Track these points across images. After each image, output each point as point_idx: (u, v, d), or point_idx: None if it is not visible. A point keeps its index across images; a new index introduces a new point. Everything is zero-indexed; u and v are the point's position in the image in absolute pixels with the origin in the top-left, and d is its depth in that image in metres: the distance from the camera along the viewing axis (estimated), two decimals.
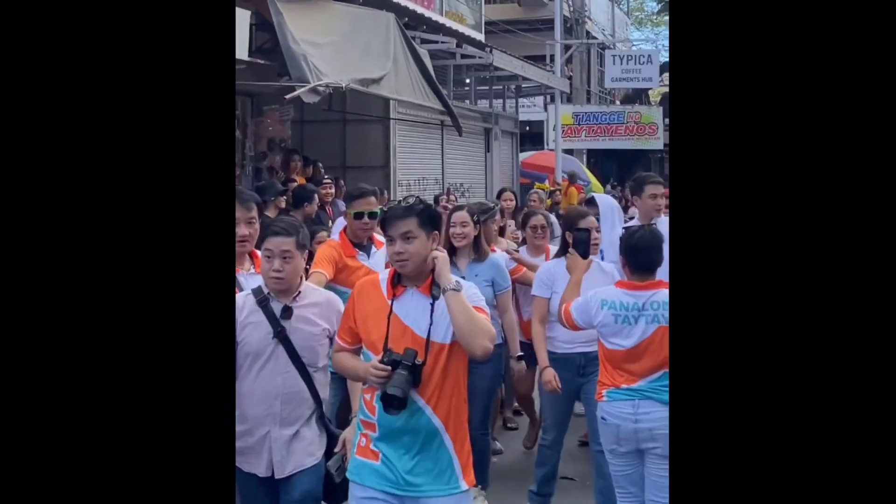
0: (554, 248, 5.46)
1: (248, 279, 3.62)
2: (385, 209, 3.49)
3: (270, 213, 7.48)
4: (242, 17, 6.88)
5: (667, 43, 35.75)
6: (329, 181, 8.89)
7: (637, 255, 3.90)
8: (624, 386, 3.88)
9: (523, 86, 16.20)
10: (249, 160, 9.86)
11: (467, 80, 14.40)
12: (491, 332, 2.87)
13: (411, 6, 11.26)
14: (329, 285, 4.21)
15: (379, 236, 4.59)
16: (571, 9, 20.74)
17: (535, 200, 9.41)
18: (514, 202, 8.41)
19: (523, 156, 17.31)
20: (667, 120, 21.78)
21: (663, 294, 3.85)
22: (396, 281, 2.94)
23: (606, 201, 5.26)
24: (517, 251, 5.83)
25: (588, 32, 22.00)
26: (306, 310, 3.27)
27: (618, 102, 24.83)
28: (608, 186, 21.69)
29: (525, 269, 5.45)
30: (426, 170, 12.07)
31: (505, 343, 5.00)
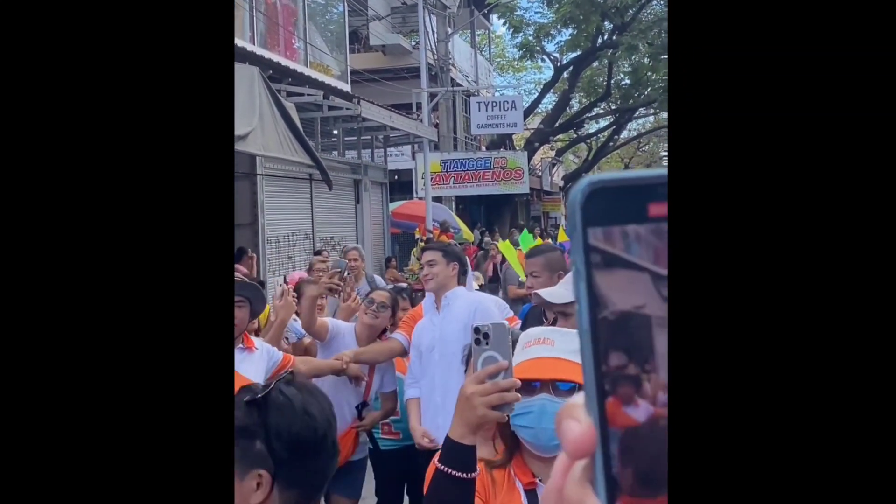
0: None
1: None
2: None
3: None
4: None
5: (528, 88, 36.70)
6: None
7: None
8: None
9: (391, 135, 16.14)
10: None
11: (335, 132, 14.22)
12: None
13: (275, 58, 11.03)
14: None
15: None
16: (435, 57, 20.87)
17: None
18: (359, 262, 7.58)
19: (393, 206, 17.20)
20: (531, 164, 22.16)
21: None
22: None
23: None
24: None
25: (452, 80, 22.18)
26: None
27: (483, 148, 25.08)
28: (476, 231, 21.81)
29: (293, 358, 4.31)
30: (296, 225, 11.78)
31: None
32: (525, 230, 14.24)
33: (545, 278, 4.20)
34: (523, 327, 4.54)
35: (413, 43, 22.12)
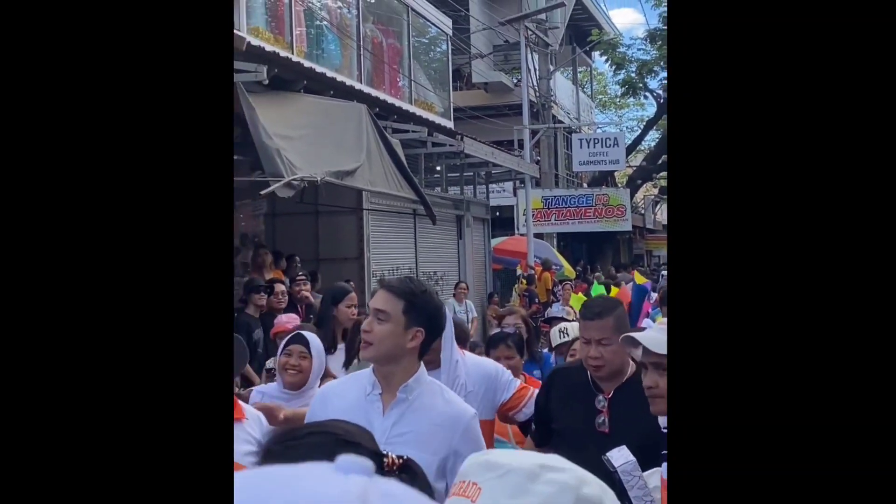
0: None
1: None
2: None
3: (251, 311, 7.32)
4: None
5: (631, 125, 36.45)
6: (303, 277, 8.67)
7: None
8: None
9: (493, 171, 16.22)
10: None
11: (437, 168, 14.37)
12: None
13: (382, 96, 11.24)
14: None
15: None
16: (537, 94, 20.94)
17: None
18: None
19: (495, 241, 17.24)
20: (634, 201, 21.97)
21: None
22: None
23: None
24: None
25: (554, 116, 22.20)
26: None
27: (585, 185, 24.97)
28: (578, 268, 21.68)
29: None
30: (400, 260, 11.90)
31: None
32: (595, 282, 13.84)
33: (616, 346, 2.99)
34: (548, 394, 3.34)
35: (515, 80, 22.24)
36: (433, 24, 14.39)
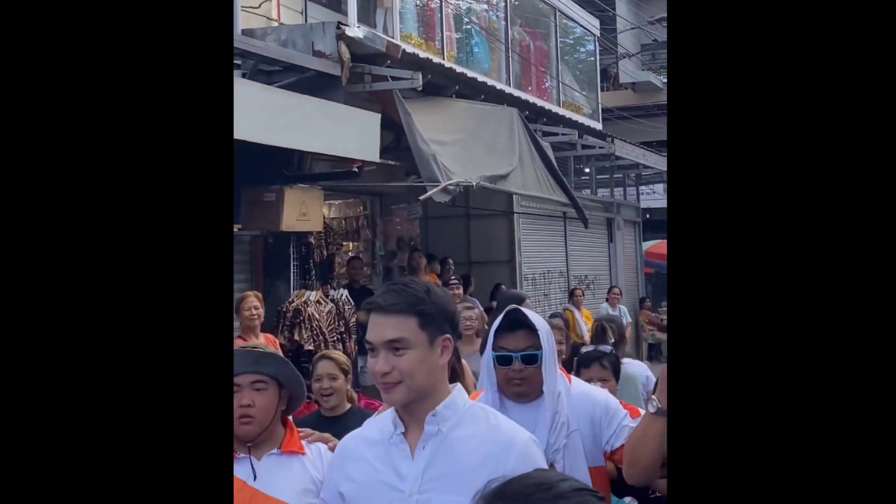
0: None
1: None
2: None
3: None
4: (372, 120, 6.84)
5: None
6: (456, 281, 8.72)
7: None
8: None
9: (643, 173, 15.94)
10: (380, 259, 9.80)
11: (586, 170, 14.22)
12: None
13: (531, 99, 11.18)
14: None
15: None
16: None
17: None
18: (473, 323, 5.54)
19: (646, 245, 16.91)
20: None
21: None
22: None
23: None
24: None
25: None
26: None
27: None
28: None
29: None
30: (551, 263, 11.82)
31: None
32: None
33: None
34: None
35: (663, 79, 21.79)
36: (580, 24, 14.24)
